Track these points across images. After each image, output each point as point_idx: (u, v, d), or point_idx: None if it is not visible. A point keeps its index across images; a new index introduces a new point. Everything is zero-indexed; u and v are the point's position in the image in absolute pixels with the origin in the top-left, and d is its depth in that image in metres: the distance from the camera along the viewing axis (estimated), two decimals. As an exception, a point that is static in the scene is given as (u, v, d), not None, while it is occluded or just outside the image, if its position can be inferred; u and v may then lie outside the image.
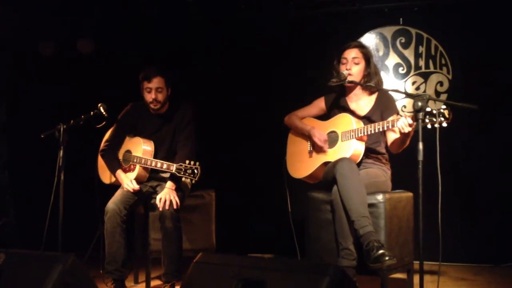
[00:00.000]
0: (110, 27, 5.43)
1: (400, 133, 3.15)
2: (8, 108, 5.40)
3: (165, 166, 3.52)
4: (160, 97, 3.75)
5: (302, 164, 3.64)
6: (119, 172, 3.76)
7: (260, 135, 5.10)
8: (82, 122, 3.70)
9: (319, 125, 3.61)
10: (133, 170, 3.77)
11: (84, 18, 5.36)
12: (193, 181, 3.41)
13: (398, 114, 3.50)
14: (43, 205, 3.66)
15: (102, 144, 3.93)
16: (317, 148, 3.55)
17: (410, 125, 3.06)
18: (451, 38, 4.82)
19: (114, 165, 3.80)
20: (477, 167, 4.69)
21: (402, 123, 3.08)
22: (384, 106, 3.48)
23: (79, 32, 5.39)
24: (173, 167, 3.45)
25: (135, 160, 3.72)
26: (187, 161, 3.41)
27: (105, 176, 3.98)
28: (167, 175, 3.69)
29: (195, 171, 3.38)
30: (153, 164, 3.61)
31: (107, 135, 3.99)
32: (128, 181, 3.67)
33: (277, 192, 4.01)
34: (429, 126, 2.85)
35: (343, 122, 3.45)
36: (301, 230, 3.54)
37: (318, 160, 3.52)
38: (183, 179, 3.45)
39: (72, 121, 3.65)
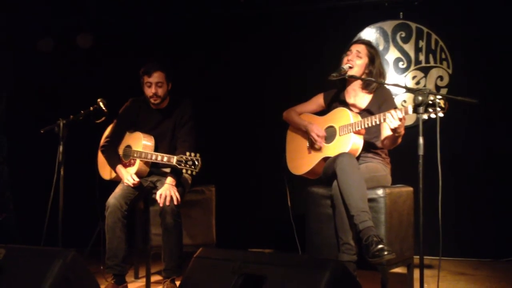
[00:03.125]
0: (108, 21, 5.42)
1: (391, 129, 3.14)
2: (8, 104, 5.39)
3: (165, 159, 3.51)
4: (160, 91, 3.75)
5: (302, 160, 3.63)
6: (119, 167, 3.76)
7: (260, 130, 5.10)
8: (81, 118, 3.69)
9: (316, 121, 3.61)
10: (133, 164, 3.77)
11: (82, 13, 5.35)
12: (194, 173, 3.38)
13: (396, 108, 3.49)
14: (43, 200, 3.66)
15: (102, 140, 3.93)
16: (315, 144, 3.55)
17: (399, 119, 3.05)
18: (452, 32, 4.81)
19: (114, 160, 3.80)
20: (478, 162, 4.70)
21: (389, 117, 3.07)
22: (382, 100, 3.47)
23: (78, 27, 5.38)
24: (174, 159, 3.44)
25: (135, 155, 3.72)
26: (188, 153, 3.41)
27: (105, 172, 3.98)
28: (168, 170, 3.70)
29: (196, 162, 3.37)
30: (154, 157, 3.61)
31: (107, 131, 3.99)
32: (128, 175, 3.66)
33: (277, 187, 4.02)
34: (425, 117, 2.84)
35: (340, 117, 3.45)
36: (301, 225, 3.54)
37: (318, 155, 3.52)
38: (184, 171, 3.43)
39: (71, 117, 3.64)
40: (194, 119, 3.84)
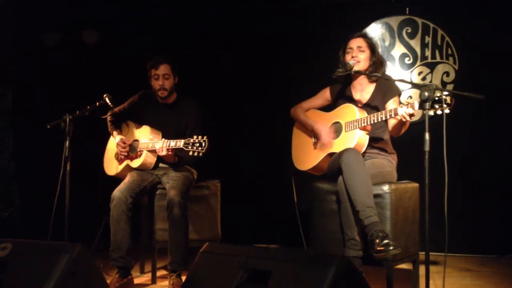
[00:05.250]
0: (115, 17, 5.42)
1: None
2: (14, 99, 5.41)
3: (172, 144, 3.52)
4: (167, 84, 3.79)
5: (307, 156, 3.63)
6: (115, 133, 3.93)
7: (265, 125, 5.10)
8: (88, 113, 3.70)
9: (323, 117, 3.61)
10: (140, 156, 3.79)
11: (89, 8, 5.35)
12: (201, 154, 3.38)
13: (399, 95, 3.49)
14: (49, 195, 3.68)
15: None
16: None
17: (411, 115, 3.05)
18: (458, 28, 4.79)
19: (114, 126, 3.97)
20: (483, 158, 4.68)
21: (403, 113, 3.07)
22: (385, 89, 3.48)
23: (84, 22, 5.39)
24: (181, 143, 3.45)
25: (143, 146, 3.74)
26: (195, 136, 3.41)
27: (110, 168, 3.99)
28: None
29: (203, 143, 3.37)
30: (160, 144, 3.61)
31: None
32: (118, 138, 3.83)
33: (283, 182, 4.02)
34: (431, 113, 2.84)
35: (346, 113, 3.44)
36: (306, 220, 3.55)
37: (323, 151, 3.52)
38: (191, 153, 3.41)
39: (78, 112, 3.65)
40: (202, 113, 3.88)
